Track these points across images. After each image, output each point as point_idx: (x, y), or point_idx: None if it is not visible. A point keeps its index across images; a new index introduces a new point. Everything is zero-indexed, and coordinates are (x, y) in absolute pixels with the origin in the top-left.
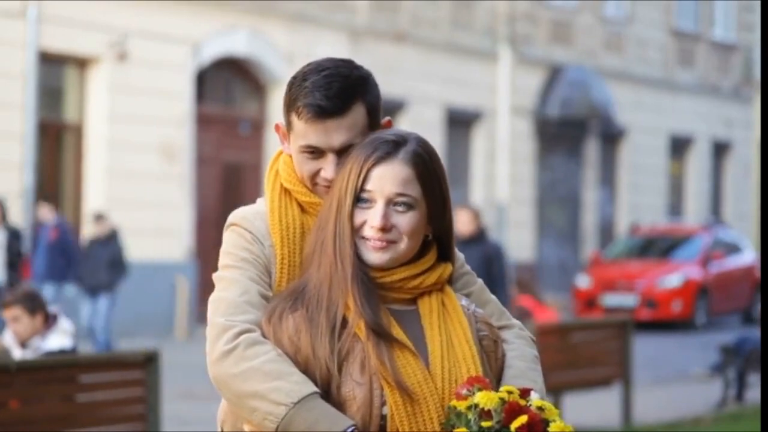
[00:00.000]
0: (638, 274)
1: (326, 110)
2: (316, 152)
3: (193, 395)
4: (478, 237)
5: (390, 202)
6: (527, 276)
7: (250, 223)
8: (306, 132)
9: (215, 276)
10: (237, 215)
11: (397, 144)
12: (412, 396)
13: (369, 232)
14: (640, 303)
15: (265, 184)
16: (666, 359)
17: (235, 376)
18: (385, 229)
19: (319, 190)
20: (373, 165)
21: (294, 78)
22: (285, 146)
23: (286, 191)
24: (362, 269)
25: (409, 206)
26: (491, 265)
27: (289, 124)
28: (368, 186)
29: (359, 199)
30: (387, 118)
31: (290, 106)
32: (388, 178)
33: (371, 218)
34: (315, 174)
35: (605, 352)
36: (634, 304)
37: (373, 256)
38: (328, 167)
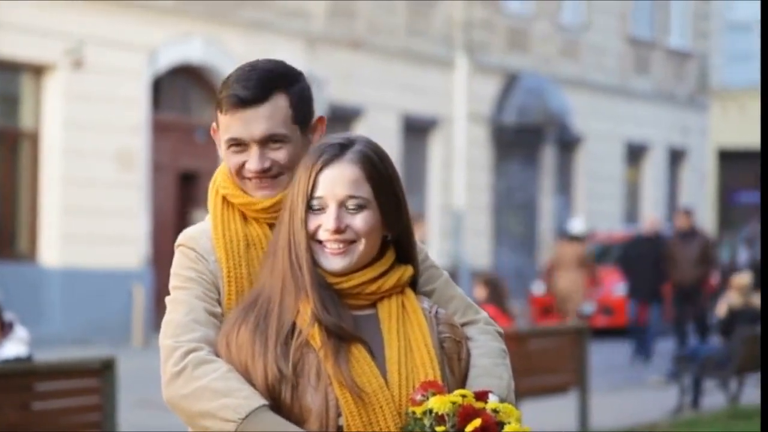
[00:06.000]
0: (594, 281)
1: (244, 100)
2: (240, 145)
3: (149, 403)
4: None
5: (342, 205)
6: (497, 284)
7: (195, 242)
8: (228, 124)
9: (166, 299)
10: (184, 235)
11: (343, 146)
12: (368, 405)
13: (324, 235)
14: (597, 310)
15: (209, 199)
16: (622, 366)
17: (185, 396)
18: (340, 230)
19: (246, 184)
20: (321, 169)
21: (224, 79)
22: (220, 150)
23: (226, 202)
24: (320, 275)
25: (361, 206)
26: None
27: (218, 124)
28: (318, 191)
29: (311, 206)
30: (319, 116)
31: (217, 104)
32: (336, 181)
33: (325, 222)
34: (241, 167)
35: (561, 359)
36: (590, 311)
37: (332, 261)
38: (251, 159)
